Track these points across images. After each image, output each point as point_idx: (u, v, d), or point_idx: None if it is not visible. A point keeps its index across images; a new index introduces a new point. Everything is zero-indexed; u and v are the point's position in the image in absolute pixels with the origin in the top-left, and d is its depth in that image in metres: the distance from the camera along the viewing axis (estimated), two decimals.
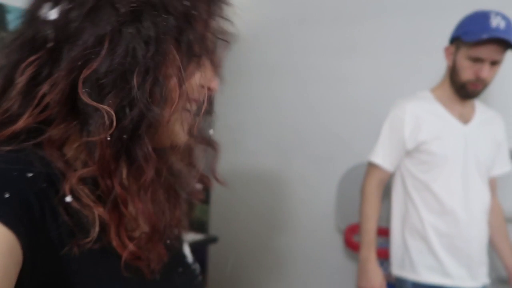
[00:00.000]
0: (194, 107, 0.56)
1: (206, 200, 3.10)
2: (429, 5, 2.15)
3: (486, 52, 1.31)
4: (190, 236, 2.18)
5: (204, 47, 0.53)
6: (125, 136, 0.48)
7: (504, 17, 1.31)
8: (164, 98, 0.49)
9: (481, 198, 1.46)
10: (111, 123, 0.47)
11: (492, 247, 1.56)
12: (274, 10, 2.71)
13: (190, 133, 0.57)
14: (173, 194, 0.65)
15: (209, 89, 0.56)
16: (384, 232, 1.71)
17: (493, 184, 1.59)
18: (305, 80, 2.56)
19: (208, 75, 0.55)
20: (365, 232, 1.54)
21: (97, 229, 0.48)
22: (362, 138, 2.28)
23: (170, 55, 0.49)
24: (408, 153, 1.49)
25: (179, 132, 0.55)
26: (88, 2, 0.47)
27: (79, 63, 0.47)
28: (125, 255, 0.50)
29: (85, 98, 0.47)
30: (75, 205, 0.48)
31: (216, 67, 0.57)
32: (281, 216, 2.64)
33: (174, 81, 0.50)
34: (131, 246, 0.51)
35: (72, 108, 0.49)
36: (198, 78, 0.54)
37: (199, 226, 2.96)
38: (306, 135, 2.54)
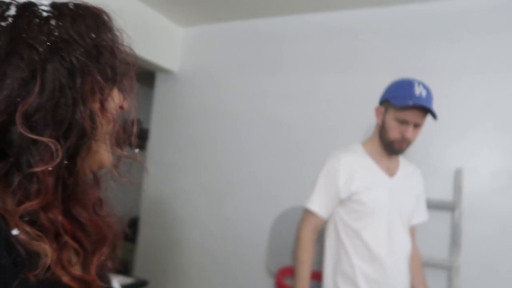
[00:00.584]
0: (115, 128, 0.60)
1: (131, 239, 2.97)
2: (360, 65, 2.38)
3: (411, 116, 1.50)
4: (118, 280, 2.06)
5: (115, 72, 0.59)
6: (63, 166, 0.51)
7: (425, 87, 1.51)
8: (93, 123, 0.54)
9: (404, 246, 1.60)
10: (52, 154, 0.50)
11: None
12: (214, 53, 2.79)
13: (115, 153, 0.61)
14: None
15: (121, 107, 0.61)
16: (316, 276, 1.79)
17: (413, 232, 1.75)
18: (241, 123, 2.63)
19: (120, 96, 0.61)
20: (300, 278, 1.59)
21: (45, 260, 0.49)
22: (294, 182, 2.39)
23: (91, 83, 0.55)
24: (341, 202, 1.59)
25: (106, 154, 0.59)
26: (2, 47, 0.50)
27: (13, 102, 0.49)
28: (72, 283, 0.52)
29: (25, 132, 0.49)
30: (23, 237, 0.49)
31: (125, 89, 0.61)
32: (212, 257, 2.61)
33: (98, 106, 0.56)
34: (77, 274, 0.53)
35: (6, 144, 0.51)
36: (114, 101, 0.59)
37: (123, 266, 2.82)
38: (240, 177, 2.59)
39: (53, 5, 0.56)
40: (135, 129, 0.63)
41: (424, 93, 1.49)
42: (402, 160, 1.70)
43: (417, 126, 1.53)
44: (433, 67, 2.13)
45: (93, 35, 0.56)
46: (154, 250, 2.77)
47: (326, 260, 1.65)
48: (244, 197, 2.55)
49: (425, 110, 1.49)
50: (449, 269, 2.07)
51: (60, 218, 0.51)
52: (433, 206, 1.95)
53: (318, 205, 1.60)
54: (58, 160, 0.50)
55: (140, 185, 2.81)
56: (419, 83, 1.51)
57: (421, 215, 1.73)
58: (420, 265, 1.75)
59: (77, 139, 0.53)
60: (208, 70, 2.80)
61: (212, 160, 2.69)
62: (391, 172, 1.62)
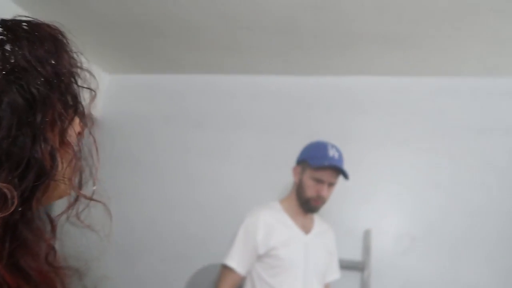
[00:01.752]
0: (75, 163, 0.55)
1: None
2: (279, 127, 2.52)
3: (326, 175, 1.62)
4: None
5: (76, 99, 0.54)
6: (16, 213, 0.44)
7: (337, 149, 1.66)
8: (53, 161, 0.48)
9: None
10: (6, 201, 0.42)
11: None
12: (140, 103, 2.78)
13: (74, 183, 0.55)
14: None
15: (79, 133, 0.56)
16: None
17: None
18: (162, 176, 2.59)
19: (79, 123, 0.57)
20: None
21: None
22: (212, 239, 2.35)
23: (52, 114, 0.49)
24: (259, 258, 1.61)
25: (66, 184, 0.53)
26: None
27: None
28: None
29: None
30: None
31: (84, 115, 0.57)
32: None
33: (57, 140, 0.50)
34: None
35: None
36: (74, 130, 0.55)
37: None
38: (157, 233, 2.49)
39: (4, 25, 0.50)
40: (97, 162, 0.57)
41: (336, 155, 1.63)
42: (316, 218, 1.78)
43: (331, 185, 1.64)
44: (345, 134, 2.32)
45: (53, 61, 0.50)
46: None
47: None
48: (159, 255, 2.44)
49: (338, 170, 1.61)
50: None
51: (1, 271, 0.43)
52: (344, 266, 2.02)
53: (236, 261, 1.60)
54: (12, 208, 0.42)
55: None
56: (332, 145, 1.66)
57: (334, 272, 1.80)
58: None
59: (35, 180, 0.45)
60: (132, 119, 2.76)
61: (126, 214, 2.56)
62: (306, 229, 1.69)
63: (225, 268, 1.62)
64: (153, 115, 2.73)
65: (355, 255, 2.24)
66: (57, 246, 0.57)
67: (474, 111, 2.33)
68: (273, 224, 1.63)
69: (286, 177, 1.94)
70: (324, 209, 1.69)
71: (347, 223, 2.30)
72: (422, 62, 2.29)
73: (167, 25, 2.19)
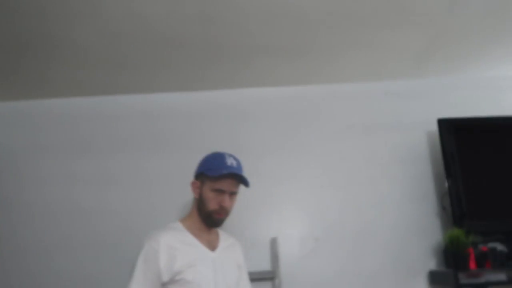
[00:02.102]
0: None
1: None
2: (174, 145, 2.40)
3: (226, 185, 1.54)
4: None
5: None
6: None
7: (235, 158, 1.60)
8: None
9: None
10: None
11: None
12: (12, 132, 2.42)
13: None
14: None
15: None
16: None
17: None
18: (43, 214, 2.27)
19: None
20: None
21: None
22: (109, 279, 2.11)
23: None
24: (164, 285, 1.45)
25: None
26: None
27: None
28: None
29: None
30: None
31: None
32: None
33: None
34: None
35: None
36: None
37: None
38: (42, 280, 2.15)
39: None
40: None
41: (235, 163, 1.57)
42: (221, 233, 1.70)
43: (232, 194, 1.58)
44: (241, 144, 2.28)
45: None
46: None
47: None
48: None
49: (238, 179, 1.55)
50: None
51: None
52: (254, 277, 1.96)
53: None
54: None
55: None
56: (229, 155, 1.60)
57: (245, 286, 1.72)
58: None
59: None
60: (4, 152, 2.38)
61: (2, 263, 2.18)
62: (212, 246, 1.59)
63: None
64: (31, 146, 2.40)
65: (264, 265, 2.20)
66: None
67: (358, 112, 2.50)
68: (176, 246, 1.48)
69: (186, 196, 1.83)
70: (228, 222, 1.61)
71: (253, 234, 2.26)
72: (308, 71, 2.40)
73: (41, 44, 1.94)
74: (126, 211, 2.27)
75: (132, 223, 2.23)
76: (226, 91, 2.52)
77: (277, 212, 2.32)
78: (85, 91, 2.44)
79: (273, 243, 2.22)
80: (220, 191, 1.53)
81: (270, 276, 2.14)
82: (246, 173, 1.57)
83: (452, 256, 2.07)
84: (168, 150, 2.39)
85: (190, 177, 1.68)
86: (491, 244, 2.14)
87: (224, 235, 1.70)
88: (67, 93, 2.44)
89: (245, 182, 1.57)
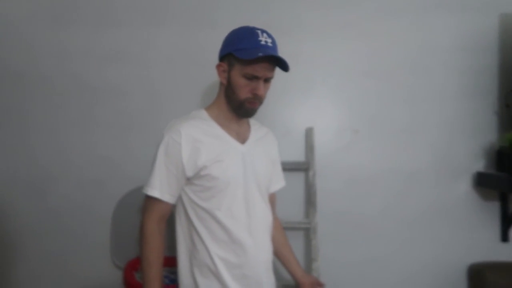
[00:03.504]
0: None
1: None
2: (203, 18, 2.10)
3: (260, 69, 1.26)
4: None
5: None
6: None
7: (269, 35, 1.31)
8: None
9: (264, 219, 1.41)
10: None
11: (280, 261, 1.57)
12: (16, 4, 2.17)
13: None
14: None
15: None
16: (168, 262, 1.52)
17: (273, 200, 1.58)
18: (59, 91, 2.13)
19: None
20: (149, 281, 1.29)
21: None
22: (132, 160, 2.04)
23: None
24: (188, 180, 1.32)
25: None
26: None
27: None
28: None
29: None
30: None
31: None
32: (42, 256, 2.12)
33: None
34: None
35: None
36: None
37: None
38: (64, 158, 2.11)
39: None
40: None
41: (270, 41, 1.29)
42: (253, 123, 1.50)
43: (267, 80, 1.33)
44: (275, 22, 1.93)
45: None
46: None
47: (179, 252, 1.37)
48: (71, 183, 2.10)
49: (275, 62, 1.29)
50: (306, 230, 2.05)
51: None
52: (287, 168, 1.85)
53: (160, 189, 1.30)
54: None
55: None
56: (263, 30, 1.30)
57: (279, 181, 1.58)
58: (284, 235, 1.60)
59: None
60: (10, 22, 2.17)
61: (25, 139, 2.13)
62: (242, 138, 1.39)
63: (148, 199, 1.32)
64: (40, 16, 2.15)
65: (298, 155, 2.07)
66: None
67: None
68: (200, 138, 1.30)
69: (212, 78, 1.62)
70: (259, 109, 1.40)
71: (287, 122, 2.09)
72: None
73: None
74: (147, 91, 2.10)
75: (153, 104, 2.09)
76: None
77: (314, 100, 2.10)
78: None
79: (309, 133, 2.05)
80: (253, 77, 1.29)
81: (304, 167, 2.03)
82: (281, 55, 1.30)
83: (508, 159, 1.86)
84: (196, 24, 2.10)
85: (213, 55, 1.43)
86: None
87: (256, 125, 1.50)
88: None
89: (284, 66, 1.30)
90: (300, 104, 2.10)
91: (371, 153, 2.08)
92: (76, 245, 2.09)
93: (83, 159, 2.09)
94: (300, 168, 2.04)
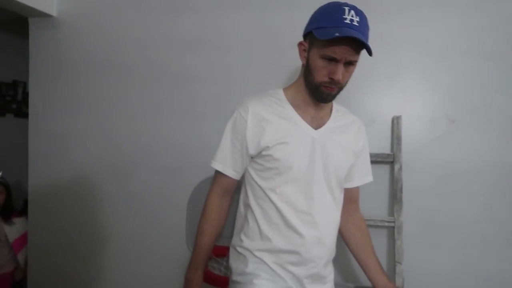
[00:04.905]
0: None
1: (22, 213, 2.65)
2: (280, 0, 2.01)
3: (339, 51, 1.12)
4: None
5: None
6: None
7: (358, 13, 1.15)
8: None
9: (328, 213, 1.28)
10: None
11: (360, 265, 1.43)
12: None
13: None
14: None
15: None
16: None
17: (355, 196, 1.45)
18: (140, 78, 2.19)
19: None
20: (196, 249, 1.30)
21: None
22: (208, 145, 2.03)
23: None
24: (252, 159, 1.27)
25: None
26: None
27: None
28: None
29: None
30: None
31: None
32: (121, 236, 2.22)
33: None
34: None
35: None
36: None
37: None
38: (144, 144, 2.17)
39: None
40: None
41: (356, 19, 1.14)
42: (337, 109, 1.37)
43: (349, 64, 1.19)
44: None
45: None
46: (49, 234, 2.33)
47: (235, 229, 1.37)
48: (151, 169, 2.16)
49: (359, 43, 1.13)
50: (390, 229, 1.87)
51: None
52: (370, 160, 1.68)
53: (222, 163, 1.30)
54: None
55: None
56: (351, 7, 1.15)
57: (365, 176, 1.44)
58: (367, 236, 1.45)
59: None
60: (94, 13, 2.28)
61: (108, 126, 2.24)
62: (317, 123, 1.28)
63: (215, 172, 1.34)
64: (120, 5, 2.23)
65: (383, 146, 1.89)
66: None
67: None
68: (267, 117, 1.23)
69: (291, 61, 1.52)
70: (341, 94, 1.27)
71: (371, 110, 1.91)
72: None
73: None
74: (226, 77, 2.07)
75: (231, 90, 2.04)
76: None
77: (402, 86, 1.90)
78: None
79: (396, 122, 1.86)
80: (332, 59, 1.15)
81: (389, 159, 1.84)
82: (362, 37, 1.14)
83: None
84: (275, 6, 2.01)
85: (292, 39, 1.33)
86: None
87: (339, 112, 1.36)
88: None
89: (366, 49, 1.15)
90: (386, 90, 1.91)
91: (469, 146, 1.83)
92: (156, 228, 2.16)
93: (161, 146, 2.14)
94: (384, 161, 1.86)
